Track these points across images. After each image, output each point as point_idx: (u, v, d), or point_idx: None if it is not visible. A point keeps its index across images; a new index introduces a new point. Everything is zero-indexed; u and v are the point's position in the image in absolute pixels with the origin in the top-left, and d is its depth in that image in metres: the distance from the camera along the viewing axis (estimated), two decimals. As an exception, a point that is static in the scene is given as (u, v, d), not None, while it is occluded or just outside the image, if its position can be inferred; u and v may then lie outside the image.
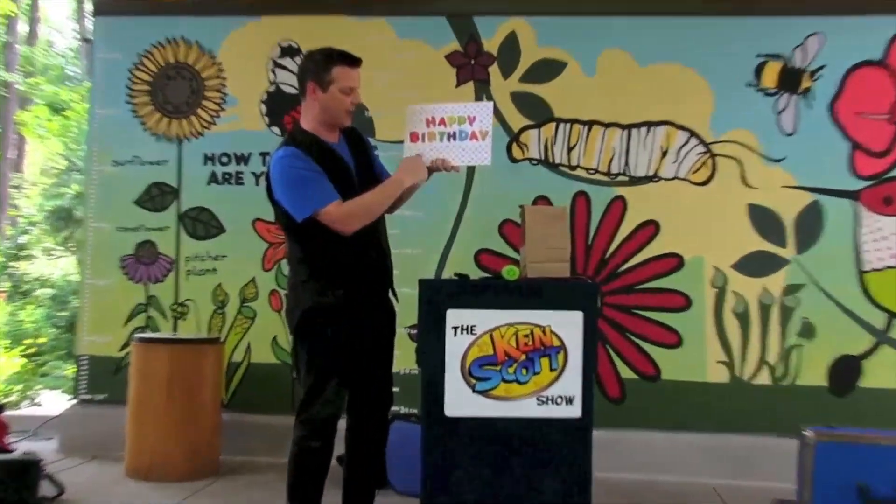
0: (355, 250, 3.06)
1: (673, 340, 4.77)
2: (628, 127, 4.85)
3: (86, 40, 6.02)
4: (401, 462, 3.98)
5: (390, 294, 3.23)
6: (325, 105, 3.09)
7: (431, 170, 3.15)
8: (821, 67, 4.74)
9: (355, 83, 3.10)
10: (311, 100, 3.11)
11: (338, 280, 3.05)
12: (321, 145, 3.10)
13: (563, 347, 2.93)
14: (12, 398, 7.03)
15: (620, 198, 4.84)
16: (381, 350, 3.20)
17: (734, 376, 4.72)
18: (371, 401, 3.19)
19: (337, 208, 2.99)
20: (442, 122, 3.14)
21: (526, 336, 2.93)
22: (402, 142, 3.22)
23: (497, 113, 4.84)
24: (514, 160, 4.89)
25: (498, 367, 2.93)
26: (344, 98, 3.09)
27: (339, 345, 3.05)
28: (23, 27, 16.89)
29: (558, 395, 2.93)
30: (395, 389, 3.26)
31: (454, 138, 3.12)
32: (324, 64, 3.09)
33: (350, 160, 3.16)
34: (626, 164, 4.85)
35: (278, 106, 5.09)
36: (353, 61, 3.11)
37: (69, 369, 9.30)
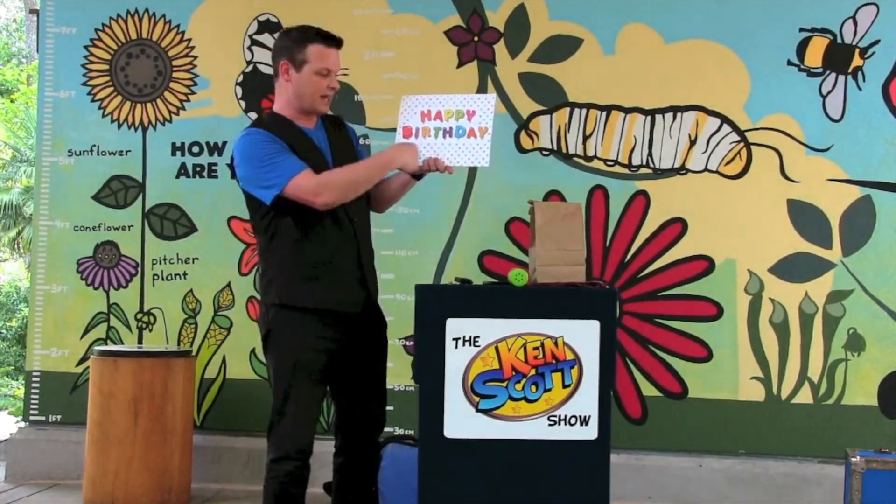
0: (322, 252, 3.14)
1: (701, 353, 4.83)
2: (652, 112, 4.91)
3: (33, 11, 6.05)
4: (395, 489, 4.03)
5: (367, 302, 3.25)
6: (297, 87, 3.17)
7: (423, 170, 3.20)
8: (874, 43, 4.78)
9: (332, 65, 3.17)
10: (284, 81, 3.19)
11: (304, 281, 3.14)
12: (291, 125, 3.19)
13: (577, 361, 2.98)
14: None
15: (643, 193, 4.90)
16: (364, 363, 3.26)
17: (771, 394, 4.77)
18: (357, 421, 3.27)
19: (307, 178, 3.05)
20: (438, 115, 3.20)
21: (536, 349, 2.97)
22: (395, 129, 3.29)
23: (504, 97, 4.91)
24: (522, 150, 4.95)
25: (504, 384, 2.97)
26: (318, 81, 3.16)
27: (301, 355, 3.14)
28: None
29: (572, 415, 2.98)
30: (388, 408, 3.33)
31: (450, 135, 3.18)
32: (300, 41, 3.17)
33: (326, 147, 3.23)
34: (650, 154, 4.91)
35: (256, 88, 5.15)
36: (331, 40, 3.18)
37: (18, 388, 9.35)
